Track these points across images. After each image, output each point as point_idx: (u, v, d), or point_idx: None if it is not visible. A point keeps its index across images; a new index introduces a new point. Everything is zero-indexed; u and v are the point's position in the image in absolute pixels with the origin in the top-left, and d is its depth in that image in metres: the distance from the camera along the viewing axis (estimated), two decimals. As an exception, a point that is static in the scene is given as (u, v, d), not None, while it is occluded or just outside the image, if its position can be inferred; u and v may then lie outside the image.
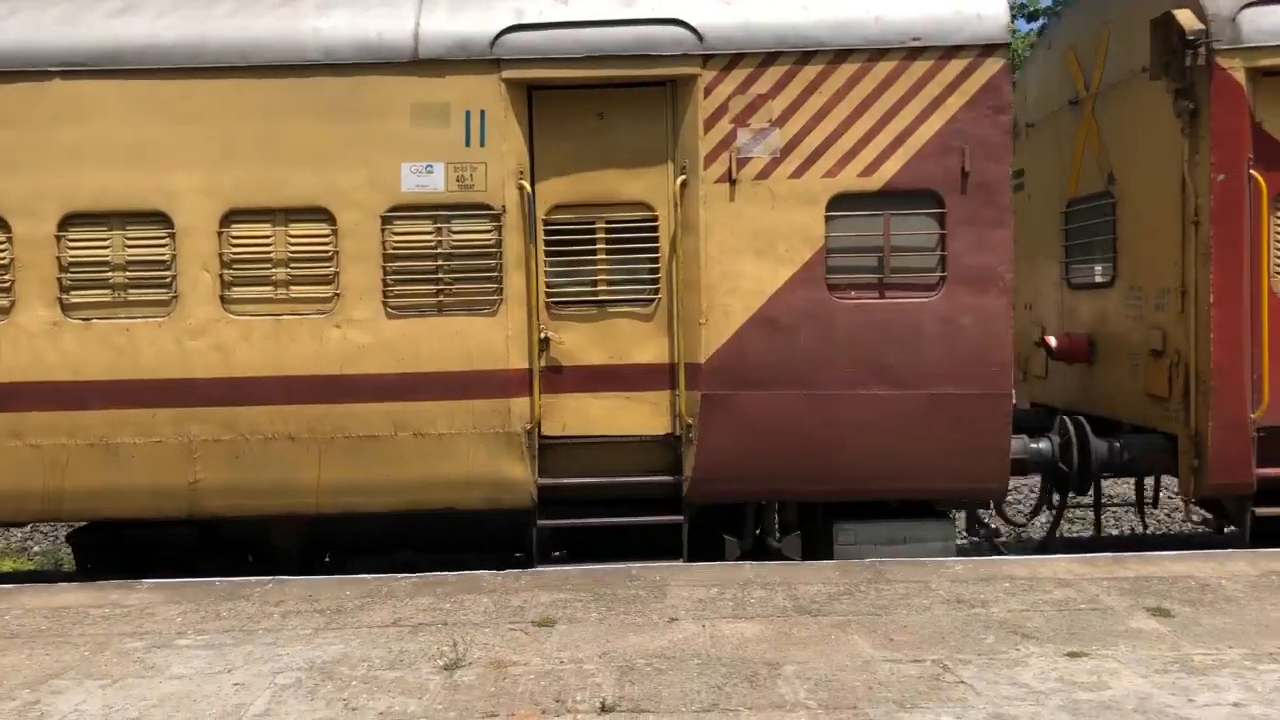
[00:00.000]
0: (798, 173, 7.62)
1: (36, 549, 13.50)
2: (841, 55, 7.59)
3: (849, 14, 7.61)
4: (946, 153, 7.56)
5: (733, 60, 7.60)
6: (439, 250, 7.66)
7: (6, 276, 7.65)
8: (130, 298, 7.69)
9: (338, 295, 7.65)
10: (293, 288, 7.68)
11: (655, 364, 7.78)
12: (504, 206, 7.64)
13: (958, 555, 7.95)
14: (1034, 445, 8.45)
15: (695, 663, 5.70)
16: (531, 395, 7.69)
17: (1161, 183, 8.16)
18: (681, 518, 7.78)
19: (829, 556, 7.87)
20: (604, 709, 5.10)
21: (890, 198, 7.62)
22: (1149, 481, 9.39)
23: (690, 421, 7.68)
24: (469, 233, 7.66)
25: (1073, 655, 5.69)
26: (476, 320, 7.66)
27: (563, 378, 7.80)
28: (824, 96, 7.60)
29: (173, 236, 7.64)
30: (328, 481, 7.70)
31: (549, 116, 7.76)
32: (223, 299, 7.66)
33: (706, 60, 7.60)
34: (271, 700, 5.34)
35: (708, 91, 7.61)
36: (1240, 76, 7.60)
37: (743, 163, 7.62)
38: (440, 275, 7.67)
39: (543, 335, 7.75)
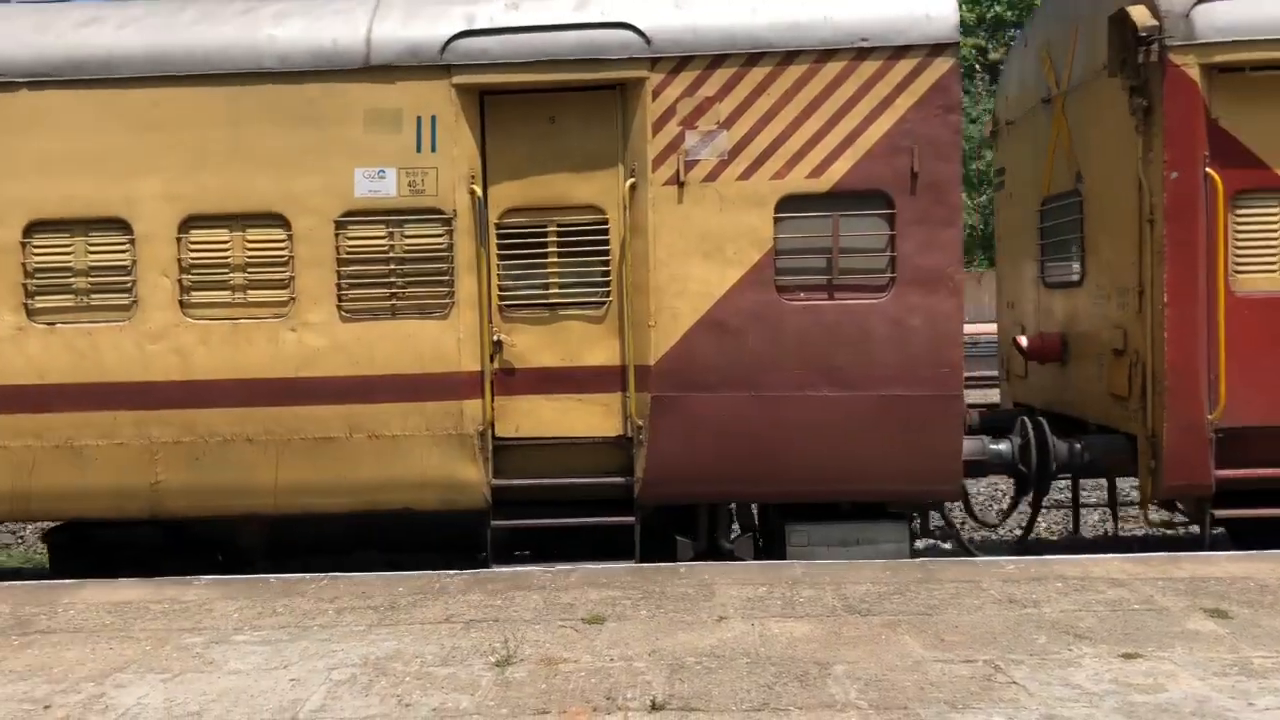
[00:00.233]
0: (746, 174, 7.63)
1: None
2: (790, 56, 7.59)
3: (797, 15, 7.61)
4: (895, 153, 7.53)
5: (680, 63, 7.62)
6: (391, 254, 7.75)
7: None
8: (93, 302, 7.86)
9: (293, 299, 7.77)
10: (250, 292, 7.81)
11: (607, 366, 7.82)
12: (455, 211, 7.72)
13: (915, 558, 7.92)
14: (993, 446, 8.40)
15: (745, 661, 5.70)
16: (484, 397, 7.77)
17: (1121, 181, 8.09)
18: (634, 519, 7.82)
19: (783, 557, 7.88)
20: (654, 707, 5.11)
21: (839, 199, 7.60)
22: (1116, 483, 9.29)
23: (640, 423, 7.72)
24: (421, 237, 7.75)
25: (1127, 656, 5.61)
26: (429, 323, 7.75)
27: (516, 380, 7.86)
28: (772, 98, 7.60)
29: (133, 242, 7.80)
30: (285, 482, 7.83)
31: (501, 121, 7.83)
32: (182, 303, 7.81)
33: (654, 63, 7.63)
34: (327, 696, 5.42)
35: (655, 94, 7.64)
36: (1194, 73, 7.51)
37: (690, 165, 7.64)
38: (393, 279, 7.76)
39: (495, 338, 7.82)
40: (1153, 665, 5.49)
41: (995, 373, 11.51)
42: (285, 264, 7.77)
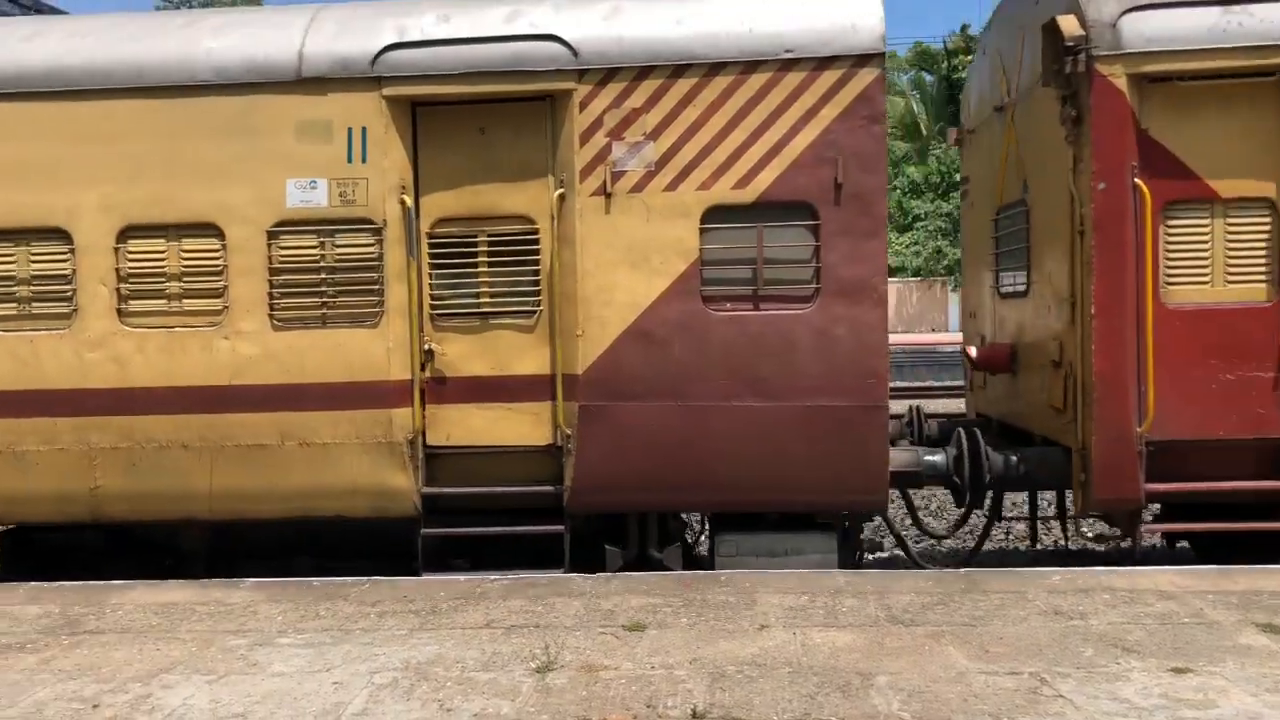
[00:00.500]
0: (672, 185, 7.65)
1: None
2: (715, 68, 7.61)
3: (722, 27, 7.63)
4: (820, 164, 7.53)
5: (607, 75, 7.66)
6: (322, 264, 7.85)
7: None
8: (34, 311, 8.02)
9: (227, 308, 7.88)
10: (185, 301, 7.93)
11: (536, 375, 7.87)
12: (385, 220, 7.80)
13: (856, 570, 7.90)
14: (929, 458, 8.36)
15: (786, 671, 5.67)
16: (413, 405, 7.84)
17: (1057, 191, 8.03)
18: (563, 527, 7.86)
19: (713, 567, 7.89)
20: (695, 715, 5.09)
21: (764, 209, 7.61)
22: (1053, 497, 9.20)
23: (569, 432, 7.76)
24: (351, 247, 7.84)
25: (1177, 671, 5.50)
26: (359, 332, 7.84)
27: (447, 388, 7.93)
28: (698, 109, 7.63)
29: (73, 252, 7.95)
30: (219, 488, 7.93)
31: (433, 132, 7.90)
32: (119, 312, 7.94)
33: (581, 75, 7.68)
34: (369, 699, 5.44)
35: (583, 106, 7.68)
36: (1121, 83, 7.44)
37: (618, 176, 7.68)
38: (324, 288, 7.85)
39: (427, 347, 7.89)
40: (1203, 680, 5.36)
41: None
42: (219, 273, 7.88)
